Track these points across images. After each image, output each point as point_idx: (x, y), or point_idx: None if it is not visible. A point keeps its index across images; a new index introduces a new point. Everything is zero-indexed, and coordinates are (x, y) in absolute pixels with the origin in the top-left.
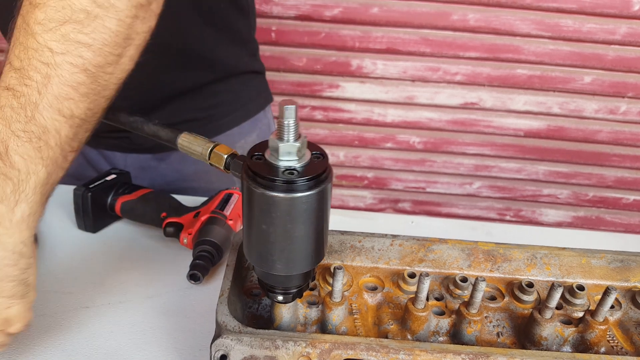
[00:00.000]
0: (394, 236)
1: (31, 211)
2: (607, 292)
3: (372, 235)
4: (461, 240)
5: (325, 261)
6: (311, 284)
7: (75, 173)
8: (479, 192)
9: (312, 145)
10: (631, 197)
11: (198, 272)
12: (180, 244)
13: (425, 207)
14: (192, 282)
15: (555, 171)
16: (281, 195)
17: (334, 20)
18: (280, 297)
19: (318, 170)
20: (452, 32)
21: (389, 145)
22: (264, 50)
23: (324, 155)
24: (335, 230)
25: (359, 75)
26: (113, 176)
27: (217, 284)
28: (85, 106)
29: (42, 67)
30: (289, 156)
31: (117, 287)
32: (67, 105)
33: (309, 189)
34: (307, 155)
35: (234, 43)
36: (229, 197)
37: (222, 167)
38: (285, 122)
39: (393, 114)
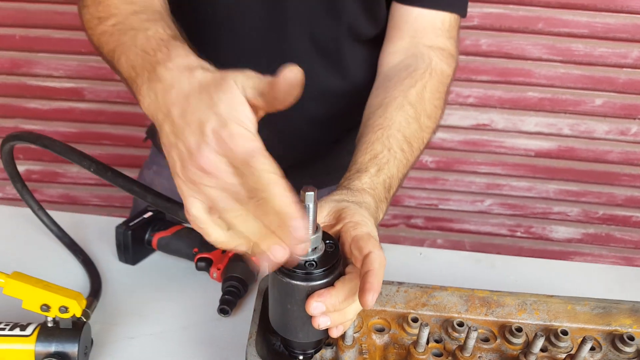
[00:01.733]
0: (400, 283)
1: None
2: (584, 341)
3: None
4: (460, 287)
5: None
6: None
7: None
8: (490, 209)
9: (325, 235)
10: None
11: (227, 307)
12: (210, 277)
13: (438, 223)
14: (222, 315)
15: (566, 190)
16: (302, 284)
17: None
18: (301, 358)
19: (332, 261)
20: (464, 56)
21: None
22: None
23: (336, 245)
24: None
25: None
26: (150, 213)
27: (243, 315)
28: None
29: (417, 150)
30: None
31: (157, 318)
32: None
33: (325, 277)
34: (322, 245)
35: None
36: None
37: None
38: (308, 210)
39: None
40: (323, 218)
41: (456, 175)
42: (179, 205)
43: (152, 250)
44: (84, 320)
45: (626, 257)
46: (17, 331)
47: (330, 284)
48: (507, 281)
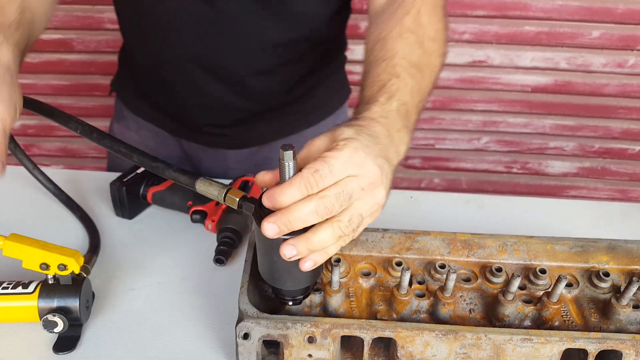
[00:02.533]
0: (385, 230)
1: None
2: (559, 279)
3: (366, 229)
4: (442, 232)
5: None
6: None
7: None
8: (486, 146)
9: None
10: (637, 147)
11: (222, 257)
12: (205, 229)
13: (435, 163)
14: (218, 264)
15: (562, 125)
16: (286, 237)
17: None
18: (290, 303)
19: None
20: None
21: None
22: None
23: None
24: None
25: None
26: (143, 169)
27: (238, 264)
28: None
29: (428, 74)
30: None
31: (155, 269)
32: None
33: (307, 229)
34: None
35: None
36: (245, 184)
37: (235, 207)
38: (286, 167)
39: None
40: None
41: (452, 114)
42: (165, 164)
43: (147, 205)
44: (84, 275)
45: (621, 190)
46: (19, 289)
47: None
48: (494, 220)
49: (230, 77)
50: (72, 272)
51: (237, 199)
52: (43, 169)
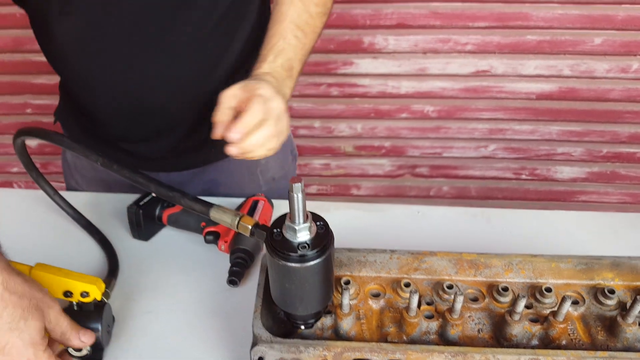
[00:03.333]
0: (392, 251)
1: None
2: (563, 299)
3: (374, 251)
4: (448, 252)
5: (337, 273)
6: None
7: (128, 185)
8: (494, 154)
9: (315, 216)
10: None
11: (236, 278)
12: (218, 249)
13: (443, 171)
14: (231, 286)
15: (569, 130)
16: (297, 265)
17: (344, 1)
18: (302, 327)
19: (324, 241)
20: (460, 3)
21: (404, 115)
22: None
23: (326, 226)
24: (344, 248)
25: (372, 51)
26: None
27: (250, 284)
28: None
29: (312, 34)
30: (301, 234)
31: (171, 291)
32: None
33: (318, 257)
34: (314, 228)
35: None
36: (255, 204)
37: (247, 234)
38: (296, 199)
39: (407, 86)
40: (232, 100)
41: (459, 122)
42: (181, 193)
43: (162, 226)
44: (105, 301)
45: (632, 194)
46: None
47: (323, 264)
48: (502, 234)
49: (162, 111)
50: (94, 298)
51: (250, 227)
52: (62, 192)
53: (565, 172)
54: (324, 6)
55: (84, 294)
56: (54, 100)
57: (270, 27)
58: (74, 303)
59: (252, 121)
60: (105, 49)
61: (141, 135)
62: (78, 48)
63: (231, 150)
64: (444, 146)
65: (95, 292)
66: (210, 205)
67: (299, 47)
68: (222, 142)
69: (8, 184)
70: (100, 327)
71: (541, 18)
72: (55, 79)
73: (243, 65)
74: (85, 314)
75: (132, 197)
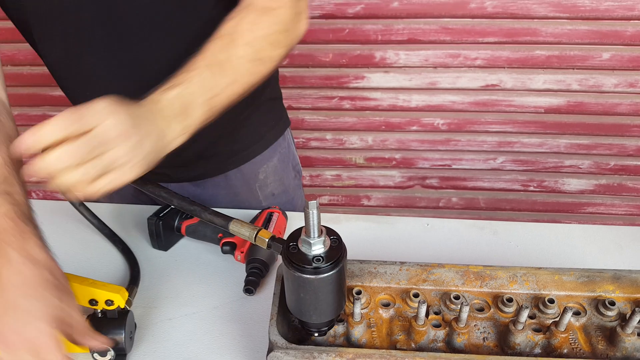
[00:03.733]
0: (402, 263)
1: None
2: (565, 310)
3: (385, 262)
4: (455, 264)
5: (349, 283)
6: None
7: (133, 195)
8: (502, 166)
9: (329, 231)
10: None
11: (251, 287)
12: (234, 259)
13: (452, 182)
14: (247, 294)
15: (577, 143)
16: (312, 277)
17: (356, 17)
18: (316, 334)
19: (337, 255)
20: (470, 19)
21: (414, 128)
22: (293, 48)
23: (339, 240)
24: (356, 260)
25: (383, 65)
26: None
27: (266, 292)
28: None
29: (233, 75)
30: (315, 248)
31: (190, 299)
32: (228, 103)
33: (331, 269)
34: (327, 242)
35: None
36: (270, 216)
37: (265, 247)
38: (311, 215)
39: (417, 99)
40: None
41: (468, 135)
42: (201, 207)
43: (181, 236)
44: (128, 309)
45: (639, 206)
46: None
47: (337, 276)
48: (508, 247)
49: None
50: (118, 306)
51: (267, 240)
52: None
53: (573, 184)
54: (257, 50)
55: (109, 302)
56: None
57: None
58: (98, 311)
59: (49, 130)
60: (84, 73)
61: None
62: (61, 70)
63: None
64: (454, 158)
65: (119, 301)
66: (230, 219)
67: (210, 84)
68: (216, 158)
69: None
70: (123, 334)
71: (550, 34)
72: None
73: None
74: (109, 321)
75: (151, 209)
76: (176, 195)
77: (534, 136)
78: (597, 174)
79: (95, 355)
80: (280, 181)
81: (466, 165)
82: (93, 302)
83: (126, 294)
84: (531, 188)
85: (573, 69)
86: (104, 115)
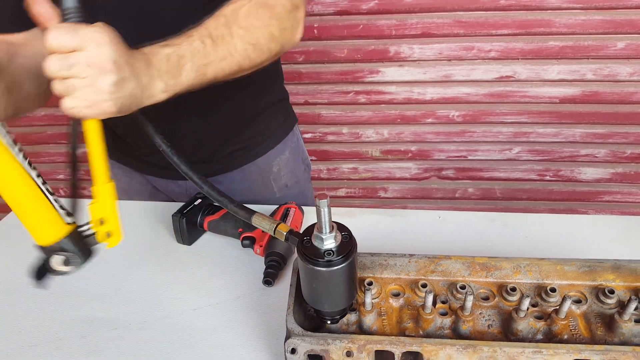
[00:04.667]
0: (411, 255)
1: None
2: (564, 298)
3: (395, 255)
4: (462, 256)
5: (361, 274)
6: None
7: (151, 193)
8: (518, 156)
9: (341, 226)
10: None
11: (270, 279)
12: (254, 253)
13: (468, 173)
14: (267, 285)
15: (592, 132)
16: (324, 269)
17: (370, 12)
18: (329, 322)
19: (347, 249)
20: (483, 12)
21: (429, 120)
22: (308, 45)
23: (350, 235)
24: (367, 253)
25: (397, 60)
26: (199, 200)
27: (283, 284)
28: None
29: (226, 52)
30: (327, 242)
31: (214, 290)
32: (219, 75)
33: (342, 262)
34: (339, 237)
35: (266, 83)
36: (287, 211)
37: (283, 240)
38: (322, 212)
39: (432, 92)
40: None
41: (483, 126)
42: (228, 199)
43: (203, 232)
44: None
45: None
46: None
47: (347, 268)
48: (517, 238)
49: (168, 128)
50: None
51: (285, 233)
52: None
53: (589, 173)
54: (251, 35)
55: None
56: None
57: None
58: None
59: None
60: None
61: (154, 148)
62: None
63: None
64: (469, 149)
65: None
66: (253, 212)
67: (201, 53)
68: (234, 153)
69: (55, 190)
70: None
71: (563, 24)
72: None
73: (249, 85)
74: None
75: (174, 206)
76: (207, 182)
77: (549, 126)
78: (614, 162)
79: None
80: (292, 173)
81: (482, 156)
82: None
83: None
84: (547, 177)
85: (587, 58)
86: (99, 41)
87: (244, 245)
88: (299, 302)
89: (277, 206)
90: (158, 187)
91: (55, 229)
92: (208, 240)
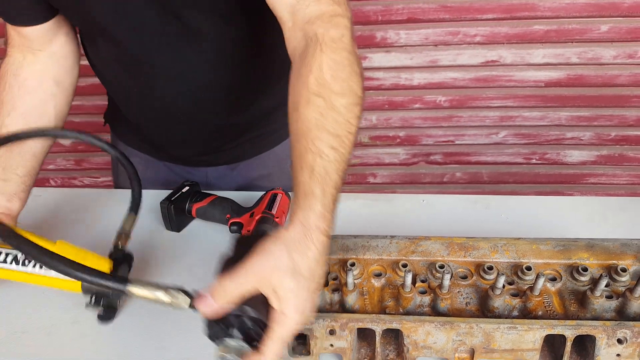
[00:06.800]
0: (392, 236)
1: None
2: (538, 276)
3: (377, 237)
4: (441, 236)
5: (344, 256)
6: (334, 275)
7: (165, 181)
8: (505, 140)
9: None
10: None
11: None
12: None
13: (456, 158)
14: None
15: (577, 116)
16: None
17: None
18: None
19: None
20: None
21: (417, 106)
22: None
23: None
24: (350, 235)
25: (384, 45)
26: (187, 188)
27: None
28: None
29: (348, 135)
30: None
31: (201, 275)
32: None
33: None
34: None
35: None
36: (274, 197)
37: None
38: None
39: (419, 77)
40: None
41: (470, 111)
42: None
43: (192, 218)
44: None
45: None
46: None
47: None
48: (499, 219)
49: (187, 119)
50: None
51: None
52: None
53: (575, 155)
54: (352, 93)
55: None
56: (83, 101)
57: (295, 140)
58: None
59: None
60: (129, 69)
61: (174, 139)
62: (107, 67)
63: None
64: (457, 134)
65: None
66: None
67: (338, 161)
68: (253, 140)
69: (45, 181)
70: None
71: (548, 8)
72: (84, 82)
73: (272, 79)
74: None
75: (162, 193)
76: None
77: (535, 110)
78: (599, 145)
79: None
80: None
81: (469, 141)
82: None
83: (109, 262)
84: (533, 161)
85: (572, 42)
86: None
87: (231, 231)
88: None
89: (264, 192)
90: (174, 172)
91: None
92: (197, 226)
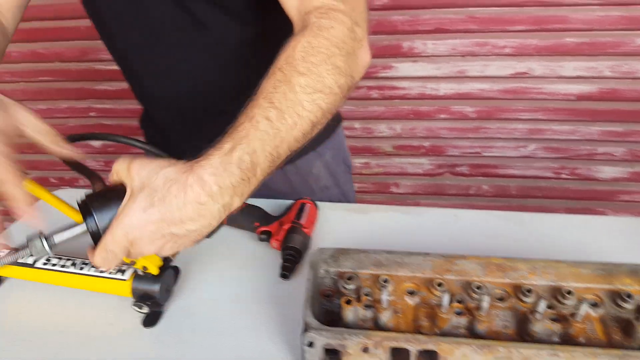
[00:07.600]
0: (427, 254)
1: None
2: (581, 303)
3: (411, 253)
4: (478, 256)
5: (377, 272)
6: (367, 291)
7: None
8: (534, 153)
9: None
10: None
11: (287, 273)
12: (270, 246)
13: (483, 170)
14: (283, 279)
15: (610, 130)
16: None
17: (383, 8)
18: None
19: None
20: (497, 8)
21: (443, 116)
22: (357, 81)
23: None
24: (384, 250)
25: (411, 55)
26: None
27: (300, 278)
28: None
29: (295, 115)
30: None
31: (235, 283)
32: (293, 147)
33: None
34: None
35: None
36: (303, 206)
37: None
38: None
39: (445, 88)
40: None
41: (498, 123)
42: None
43: (222, 225)
44: (168, 265)
45: None
46: (118, 275)
47: None
48: (533, 237)
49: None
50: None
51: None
52: None
53: (607, 171)
54: (316, 77)
55: (144, 269)
56: (114, 105)
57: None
58: (139, 270)
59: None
60: (145, 58)
61: (194, 140)
62: (129, 55)
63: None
64: (484, 146)
65: (153, 269)
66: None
67: (268, 133)
68: None
69: (74, 181)
70: (159, 288)
71: (580, 20)
72: (116, 86)
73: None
74: (149, 276)
75: None
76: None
77: (565, 123)
78: (632, 161)
79: (133, 305)
80: (332, 176)
81: (497, 153)
82: (133, 263)
83: (160, 261)
84: (563, 176)
85: (605, 55)
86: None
87: (260, 239)
88: (316, 296)
89: (292, 201)
90: None
91: (120, 287)
92: (226, 233)
